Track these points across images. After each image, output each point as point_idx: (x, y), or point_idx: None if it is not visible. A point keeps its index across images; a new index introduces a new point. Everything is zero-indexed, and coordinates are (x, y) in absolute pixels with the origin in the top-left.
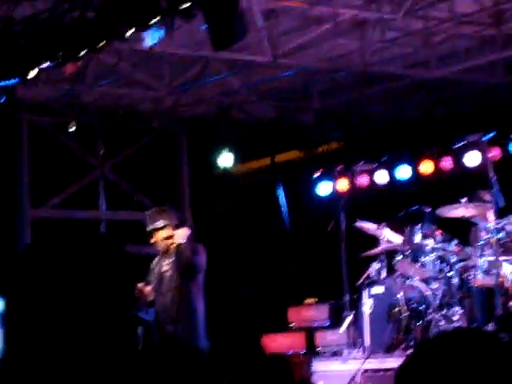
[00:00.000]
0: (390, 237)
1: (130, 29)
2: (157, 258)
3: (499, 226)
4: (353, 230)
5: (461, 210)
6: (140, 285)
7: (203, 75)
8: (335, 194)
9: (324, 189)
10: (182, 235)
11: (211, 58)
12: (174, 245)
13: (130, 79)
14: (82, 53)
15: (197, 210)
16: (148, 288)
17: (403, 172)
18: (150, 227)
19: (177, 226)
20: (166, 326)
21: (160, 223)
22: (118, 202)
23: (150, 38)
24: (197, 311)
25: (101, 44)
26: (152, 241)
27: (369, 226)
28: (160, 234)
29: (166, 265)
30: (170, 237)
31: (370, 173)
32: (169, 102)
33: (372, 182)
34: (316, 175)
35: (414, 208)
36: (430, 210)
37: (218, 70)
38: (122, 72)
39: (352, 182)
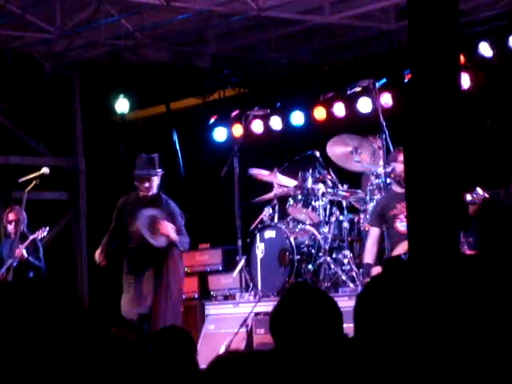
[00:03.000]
0: (282, 182)
1: None
2: None
3: (388, 170)
4: (247, 176)
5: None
6: None
7: (95, 18)
8: (231, 140)
9: (220, 135)
10: None
11: (103, 1)
12: None
13: (21, 21)
14: None
15: (91, 156)
16: None
17: (297, 118)
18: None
19: None
20: None
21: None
22: (9, 146)
23: None
24: None
25: None
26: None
27: (262, 173)
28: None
29: None
30: None
31: (265, 118)
32: (61, 45)
33: (266, 128)
34: (211, 121)
35: (306, 153)
36: (319, 154)
37: (110, 12)
38: (12, 14)
39: (247, 128)
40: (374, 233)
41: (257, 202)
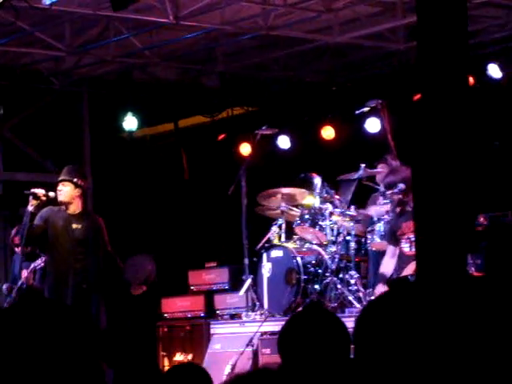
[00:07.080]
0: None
1: None
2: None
3: (397, 190)
4: (253, 194)
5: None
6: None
7: (105, 35)
8: (238, 159)
9: (229, 153)
10: None
11: (113, 18)
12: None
13: (30, 38)
14: None
15: (98, 173)
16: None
17: (305, 137)
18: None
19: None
20: None
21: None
22: (17, 162)
23: None
24: None
25: None
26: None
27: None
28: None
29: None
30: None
31: (273, 137)
32: (70, 62)
33: (274, 147)
34: (220, 139)
35: (304, 175)
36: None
37: (119, 30)
38: (21, 30)
39: (254, 147)
40: (389, 250)
41: (260, 214)
